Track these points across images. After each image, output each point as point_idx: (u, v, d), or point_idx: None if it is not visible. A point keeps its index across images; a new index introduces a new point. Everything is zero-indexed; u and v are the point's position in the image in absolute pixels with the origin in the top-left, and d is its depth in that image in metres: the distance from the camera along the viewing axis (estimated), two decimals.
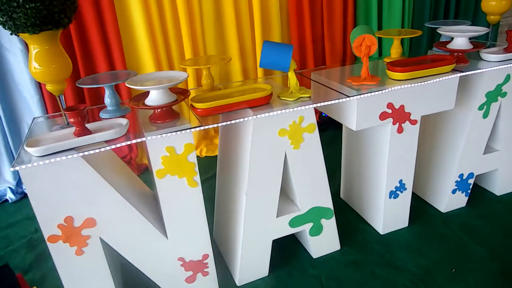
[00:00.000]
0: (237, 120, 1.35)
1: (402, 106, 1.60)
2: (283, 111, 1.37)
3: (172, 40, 2.49)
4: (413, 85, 1.54)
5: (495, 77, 1.75)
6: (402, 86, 1.52)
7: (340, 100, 1.46)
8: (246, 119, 1.36)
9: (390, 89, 1.51)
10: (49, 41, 1.21)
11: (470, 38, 1.71)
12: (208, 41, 2.59)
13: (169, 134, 1.25)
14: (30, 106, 2.33)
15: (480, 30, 1.71)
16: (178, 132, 1.25)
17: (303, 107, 1.40)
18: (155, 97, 1.29)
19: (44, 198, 1.19)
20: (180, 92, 1.38)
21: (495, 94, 1.79)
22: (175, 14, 2.45)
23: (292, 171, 1.53)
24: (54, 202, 1.20)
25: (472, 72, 1.64)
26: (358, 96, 1.47)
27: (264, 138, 1.42)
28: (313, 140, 1.51)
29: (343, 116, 1.62)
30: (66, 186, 1.20)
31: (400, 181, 1.77)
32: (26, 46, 2.20)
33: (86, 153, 1.17)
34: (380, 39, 2.90)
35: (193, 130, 1.27)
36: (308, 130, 1.48)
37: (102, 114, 1.45)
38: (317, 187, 1.60)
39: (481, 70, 1.66)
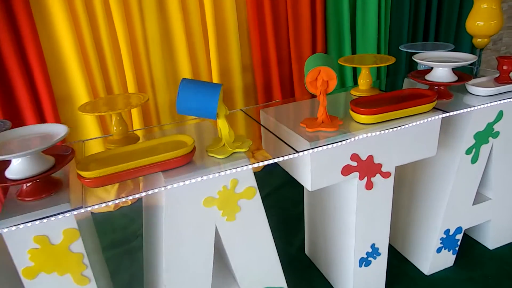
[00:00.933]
0: (133, 196, 0.97)
1: (370, 157, 1.25)
2: (204, 177, 1.00)
3: (110, 64, 2.11)
4: (383, 132, 1.19)
5: (485, 115, 1.41)
6: (369, 134, 1.17)
7: (286, 157, 1.09)
8: (153, 191, 0.98)
9: (353, 139, 1.15)
10: None
11: (453, 68, 1.37)
12: (154, 64, 2.22)
13: (37, 222, 0.87)
14: None
15: (467, 59, 1.37)
16: (52, 217, 0.87)
17: (233, 170, 1.03)
18: (19, 167, 0.91)
19: None
20: (59, 154, 1.00)
21: (485, 135, 1.45)
22: (113, 34, 2.07)
23: (228, 249, 1.15)
24: None
25: (458, 112, 1.30)
26: (310, 151, 1.11)
27: (182, 212, 1.05)
28: (254, 208, 1.14)
29: (296, 172, 1.26)
30: None
31: (372, 246, 1.41)
32: None
33: None
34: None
35: (68, 213, 0.89)
36: (245, 195, 1.11)
37: None
38: (264, 264, 1.23)
39: (469, 109, 1.32)
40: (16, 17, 1.86)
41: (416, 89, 1.37)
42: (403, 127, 1.21)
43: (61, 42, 1.98)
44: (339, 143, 1.13)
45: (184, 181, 0.97)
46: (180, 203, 1.03)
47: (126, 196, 0.96)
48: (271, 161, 1.07)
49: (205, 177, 0.99)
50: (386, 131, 1.19)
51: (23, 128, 1.00)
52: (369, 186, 1.29)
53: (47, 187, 0.96)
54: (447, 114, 1.27)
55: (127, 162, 0.97)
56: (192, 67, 2.30)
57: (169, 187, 0.97)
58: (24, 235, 0.89)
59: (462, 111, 1.30)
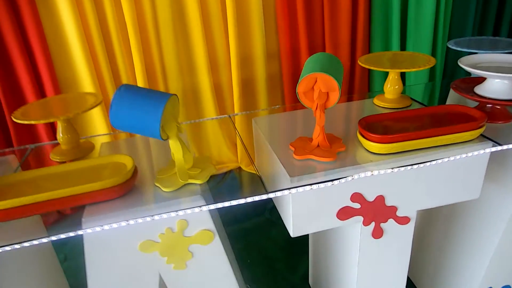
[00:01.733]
0: (36, 241, 0.75)
1: (380, 198, 0.92)
2: (132, 221, 0.75)
3: (117, 47, 1.91)
4: (397, 169, 0.86)
5: None
6: (378, 172, 0.84)
7: (251, 199, 0.81)
8: (58, 237, 0.75)
9: (350, 178, 0.84)
10: None
11: None
12: (166, 48, 1.98)
13: None
14: None
15: None
16: None
17: (177, 212, 0.77)
18: None
19: None
20: None
21: None
22: (119, 14, 1.86)
23: None
24: None
25: None
26: (287, 192, 0.82)
27: (110, 259, 0.81)
28: (211, 255, 0.88)
29: (280, 209, 0.97)
30: None
31: None
32: None
33: None
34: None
35: None
36: (199, 240, 0.85)
37: None
38: None
39: None
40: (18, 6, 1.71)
41: (458, 106, 1.00)
42: (429, 163, 0.86)
43: (63, 22, 1.81)
44: (330, 183, 0.82)
45: (102, 226, 0.73)
46: (106, 247, 0.80)
47: (21, 242, 0.74)
48: (228, 204, 0.79)
49: (132, 221, 0.75)
50: (403, 168, 0.86)
51: None
52: (378, 234, 0.97)
53: None
54: (500, 148, 0.90)
55: (42, 193, 0.75)
56: (208, 52, 2.04)
57: (88, 231, 0.74)
58: None
59: None
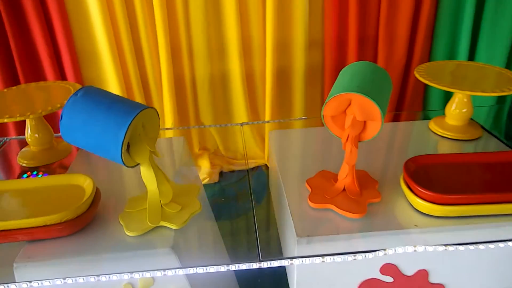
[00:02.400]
0: None
1: (422, 273, 0.67)
2: (72, 279, 0.56)
3: (141, 21, 1.71)
4: (455, 248, 0.60)
5: None
6: (425, 249, 0.59)
7: (234, 267, 0.58)
8: None
9: (386, 252, 0.59)
10: None
11: None
12: (195, 28, 1.76)
13: None
14: None
15: None
16: None
17: (132, 274, 0.57)
18: None
19: None
20: None
21: None
22: None
23: None
24: None
25: None
26: (288, 262, 0.59)
27: None
28: None
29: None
30: None
31: None
32: None
33: None
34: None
35: None
36: None
37: None
38: None
39: None
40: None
41: None
42: (503, 244, 0.60)
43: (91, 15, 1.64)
44: (351, 256, 0.58)
45: (30, 283, 0.54)
46: None
47: None
48: (200, 271, 0.58)
49: (75, 279, 0.55)
50: (463, 247, 0.60)
51: None
52: None
53: None
54: None
55: None
56: (242, 36, 1.79)
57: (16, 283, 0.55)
58: None
59: None
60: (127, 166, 0.58)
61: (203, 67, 1.85)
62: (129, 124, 0.54)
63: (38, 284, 0.54)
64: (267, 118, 1.95)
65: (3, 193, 0.66)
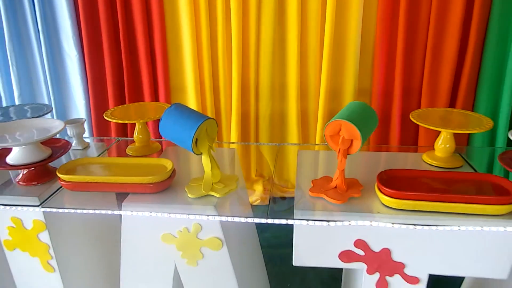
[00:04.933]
0: (76, 210, 1.01)
1: (386, 251, 0.97)
2: (154, 214, 0.96)
3: (221, 63, 2.22)
4: (409, 227, 0.90)
5: None
6: (378, 224, 0.90)
7: (250, 220, 0.95)
8: (108, 212, 1.00)
9: (350, 223, 0.91)
10: None
11: None
12: (263, 69, 2.22)
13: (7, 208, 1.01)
14: (78, 108, 2.43)
15: None
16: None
17: (192, 215, 0.96)
18: (16, 154, 1.06)
19: None
20: (58, 147, 1.12)
21: None
22: (228, 32, 2.16)
23: None
24: None
25: None
26: (284, 221, 0.93)
27: (139, 240, 1.04)
28: (219, 260, 1.04)
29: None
30: None
31: None
32: (82, 52, 2.28)
33: None
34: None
35: (36, 208, 1.00)
36: (209, 245, 1.02)
37: None
38: None
39: None
40: (151, 17, 2.16)
41: (496, 177, 0.97)
42: (435, 228, 0.89)
43: (183, 38, 2.19)
44: (326, 223, 0.91)
45: (131, 211, 0.96)
46: (137, 230, 1.03)
47: (84, 208, 1.01)
48: (233, 219, 0.95)
49: (154, 214, 0.96)
50: (405, 226, 0.90)
51: (28, 120, 1.16)
52: (383, 285, 1.01)
53: (39, 175, 1.09)
54: None
55: (101, 176, 1.02)
56: (300, 80, 2.21)
57: (122, 212, 0.98)
58: (3, 213, 1.05)
59: None
60: (195, 153, 0.99)
61: (266, 104, 2.28)
62: (198, 127, 0.95)
63: (138, 213, 0.96)
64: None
65: (119, 163, 1.11)
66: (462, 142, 2.13)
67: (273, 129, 2.35)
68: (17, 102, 2.38)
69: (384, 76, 2.14)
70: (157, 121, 1.28)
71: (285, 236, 1.92)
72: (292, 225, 0.97)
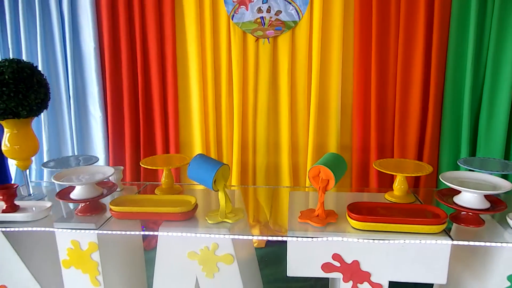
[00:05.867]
0: (126, 232, 1.36)
1: (356, 263, 1.31)
2: (187, 234, 1.31)
3: (224, 122, 2.65)
4: (370, 241, 1.26)
5: None
6: (345, 239, 1.26)
7: (249, 238, 1.30)
8: (150, 233, 1.35)
9: (324, 239, 1.27)
10: (17, 126, 1.50)
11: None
12: (259, 129, 2.64)
13: (68, 230, 1.35)
14: (97, 125, 2.76)
15: (502, 186, 1.29)
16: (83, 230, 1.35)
17: (212, 235, 1.31)
18: (77, 191, 1.42)
19: None
20: (108, 187, 1.49)
21: None
22: (230, 96, 2.61)
23: None
24: None
25: (467, 243, 1.23)
26: (289, 239, 1.29)
27: (170, 257, 1.38)
28: (230, 273, 1.37)
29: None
30: None
31: None
32: (106, 114, 2.69)
33: (4, 229, 1.38)
34: None
35: (94, 231, 1.34)
36: (224, 260, 1.36)
37: None
38: None
39: (485, 243, 1.23)
40: (166, 88, 2.62)
41: (431, 207, 1.35)
42: (387, 241, 1.25)
43: (192, 103, 2.64)
44: (310, 239, 1.27)
45: (167, 232, 1.31)
46: (169, 248, 1.37)
47: (127, 231, 1.36)
48: (242, 237, 1.30)
49: (187, 234, 1.31)
50: (366, 241, 1.25)
51: (87, 167, 1.54)
52: None
53: (94, 208, 1.45)
54: (451, 242, 1.23)
55: (142, 207, 1.38)
56: (291, 137, 2.63)
57: (159, 233, 1.33)
58: (66, 236, 1.39)
59: (475, 243, 1.23)
60: (214, 190, 1.36)
61: (262, 157, 2.68)
62: (216, 171, 1.33)
63: (169, 234, 1.30)
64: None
65: (154, 199, 1.47)
66: (417, 185, 2.54)
67: (269, 178, 2.72)
68: (45, 156, 2.75)
69: (361, 134, 2.57)
70: (177, 168, 1.66)
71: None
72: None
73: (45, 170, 2.73)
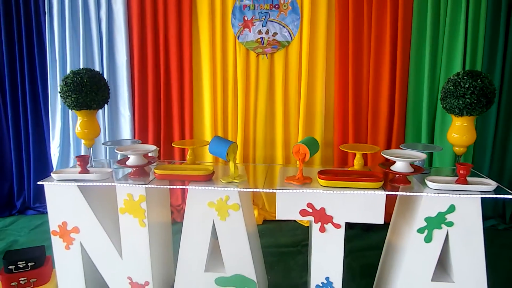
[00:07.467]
0: (168, 186, 2.02)
1: (322, 209, 1.96)
2: (208, 188, 1.97)
3: (229, 122, 3.31)
4: (326, 192, 1.91)
5: (435, 204, 1.91)
6: (314, 190, 1.91)
7: (253, 190, 1.96)
8: (183, 187, 2.01)
9: (300, 191, 1.92)
10: (88, 116, 2.16)
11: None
12: (258, 127, 3.32)
13: (127, 184, 2.00)
14: (126, 123, 3.42)
15: (418, 156, 1.95)
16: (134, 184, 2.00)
17: (226, 188, 1.97)
18: (131, 160, 2.08)
19: (53, 204, 2.07)
20: (150, 158, 2.15)
21: (437, 221, 1.92)
22: (235, 101, 3.28)
23: (219, 238, 2.05)
24: (58, 209, 2.08)
25: (395, 193, 1.88)
26: (271, 190, 1.94)
27: (196, 205, 2.03)
28: (237, 217, 2.02)
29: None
30: (66, 201, 2.06)
31: (327, 279, 2.04)
32: (133, 114, 3.36)
33: (80, 184, 2.03)
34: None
35: (144, 185, 2.00)
36: (232, 208, 2.01)
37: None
38: (240, 258, 2.07)
39: (404, 193, 1.88)
40: (184, 95, 3.30)
41: (374, 172, 2.01)
42: (342, 192, 1.90)
43: (204, 102, 3.32)
44: (291, 191, 1.92)
45: (194, 187, 1.96)
46: (196, 199, 2.02)
47: (162, 185, 2.01)
48: (245, 190, 1.95)
49: (208, 188, 1.96)
50: (324, 191, 1.91)
51: (138, 145, 2.20)
52: (322, 230, 1.99)
53: (141, 172, 2.10)
54: (385, 193, 1.88)
55: (176, 171, 2.04)
56: (284, 134, 3.30)
57: (189, 187, 1.98)
58: (123, 191, 2.03)
59: (401, 193, 1.88)
60: (226, 160, 2.02)
61: (260, 151, 3.35)
62: (228, 146, 1.99)
63: (193, 187, 1.96)
64: None
65: (183, 167, 2.12)
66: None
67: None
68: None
69: (341, 131, 3.24)
70: (199, 148, 2.33)
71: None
72: None
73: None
